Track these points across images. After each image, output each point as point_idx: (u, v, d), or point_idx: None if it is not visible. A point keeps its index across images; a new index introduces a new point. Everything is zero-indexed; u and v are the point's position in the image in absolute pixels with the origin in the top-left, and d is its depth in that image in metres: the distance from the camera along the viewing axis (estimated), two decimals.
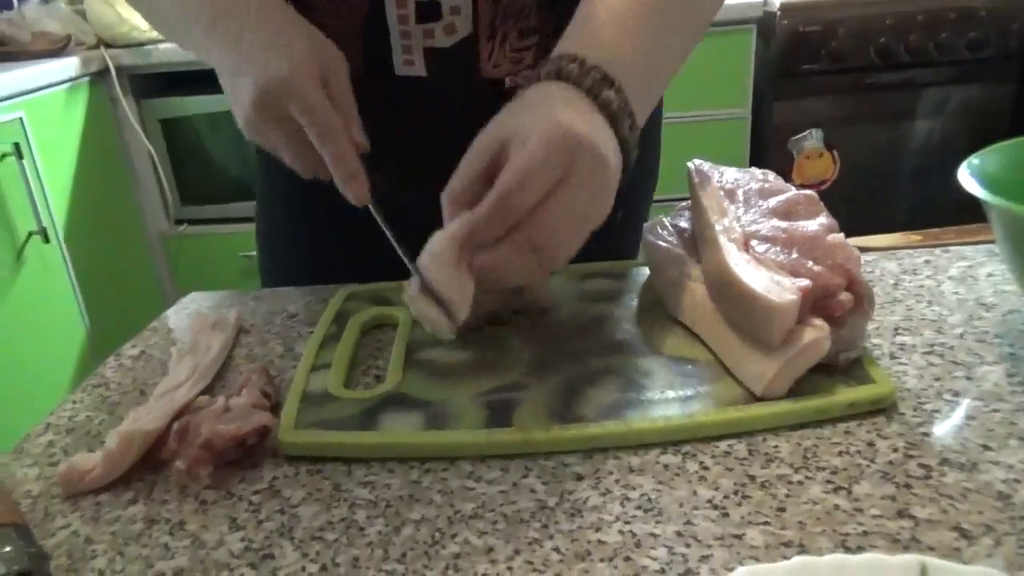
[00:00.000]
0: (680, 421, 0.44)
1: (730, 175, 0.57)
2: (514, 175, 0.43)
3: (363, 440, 0.45)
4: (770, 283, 0.45)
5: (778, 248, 0.48)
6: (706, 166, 0.58)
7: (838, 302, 0.45)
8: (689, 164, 0.58)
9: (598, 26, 0.50)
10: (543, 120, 0.44)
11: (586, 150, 0.44)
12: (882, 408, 0.44)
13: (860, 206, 2.13)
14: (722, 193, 0.55)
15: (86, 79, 2.02)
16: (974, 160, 0.52)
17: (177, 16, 0.55)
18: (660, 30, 0.52)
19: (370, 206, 0.51)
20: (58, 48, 2.05)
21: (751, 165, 0.60)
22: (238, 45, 0.50)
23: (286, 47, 0.49)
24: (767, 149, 2.10)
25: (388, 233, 0.50)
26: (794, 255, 0.47)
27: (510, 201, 0.43)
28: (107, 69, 2.04)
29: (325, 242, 0.76)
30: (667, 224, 0.59)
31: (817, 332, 0.44)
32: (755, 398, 0.45)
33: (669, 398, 0.46)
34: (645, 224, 0.61)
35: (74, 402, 0.54)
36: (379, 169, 0.53)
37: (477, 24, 0.62)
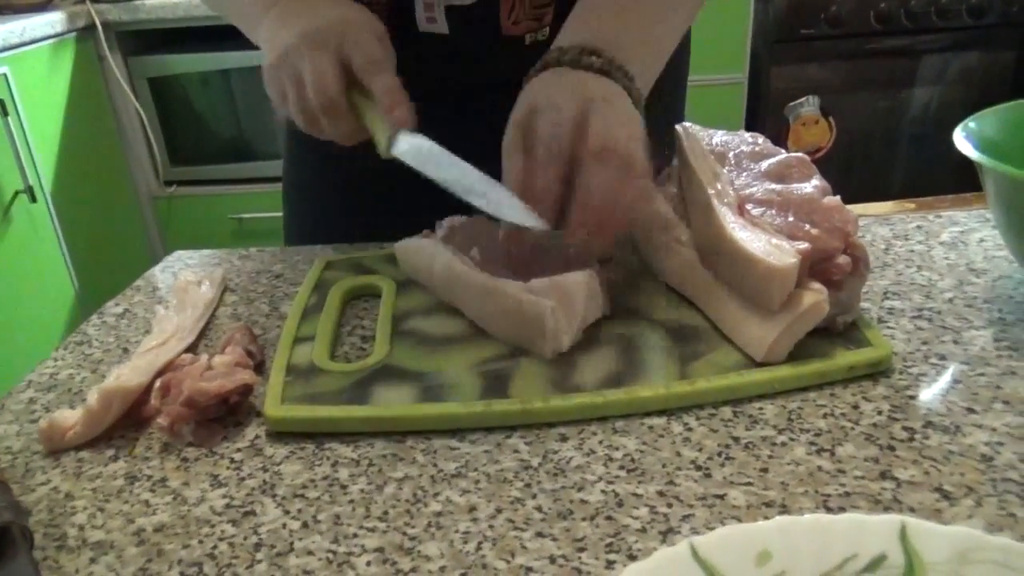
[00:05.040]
0: (682, 388, 0.43)
1: (719, 138, 0.56)
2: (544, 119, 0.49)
3: (355, 414, 0.43)
4: (769, 246, 0.44)
5: (774, 211, 0.48)
6: (695, 128, 0.57)
7: (837, 265, 0.44)
8: (678, 127, 0.57)
9: (601, 15, 0.55)
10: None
11: (599, 84, 0.50)
12: (880, 371, 0.44)
13: (856, 174, 2.12)
14: (712, 157, 0.54)
15: (72, 35, 1.98)
16: (971, 123, 0.51)
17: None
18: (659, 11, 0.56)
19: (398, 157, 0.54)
20: (43, 2, 2.00)
21: (746, 130, 0.59)
22: (299, 14, 0.55)
23: (347, 7, 0.55)
24: (763, 115, 2.07)
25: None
26: (790, 218, 0.47)
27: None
28: (93, 24, 2.00)
29: (354, 200, 0.76)
30: (653, 188, 0.58)
31: (817, 295, 0.43)
32: (754, 363, 0.45)
33: (667, 365, 0.45)
34: None
35: (56, 360, 0.54)
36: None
37: None
